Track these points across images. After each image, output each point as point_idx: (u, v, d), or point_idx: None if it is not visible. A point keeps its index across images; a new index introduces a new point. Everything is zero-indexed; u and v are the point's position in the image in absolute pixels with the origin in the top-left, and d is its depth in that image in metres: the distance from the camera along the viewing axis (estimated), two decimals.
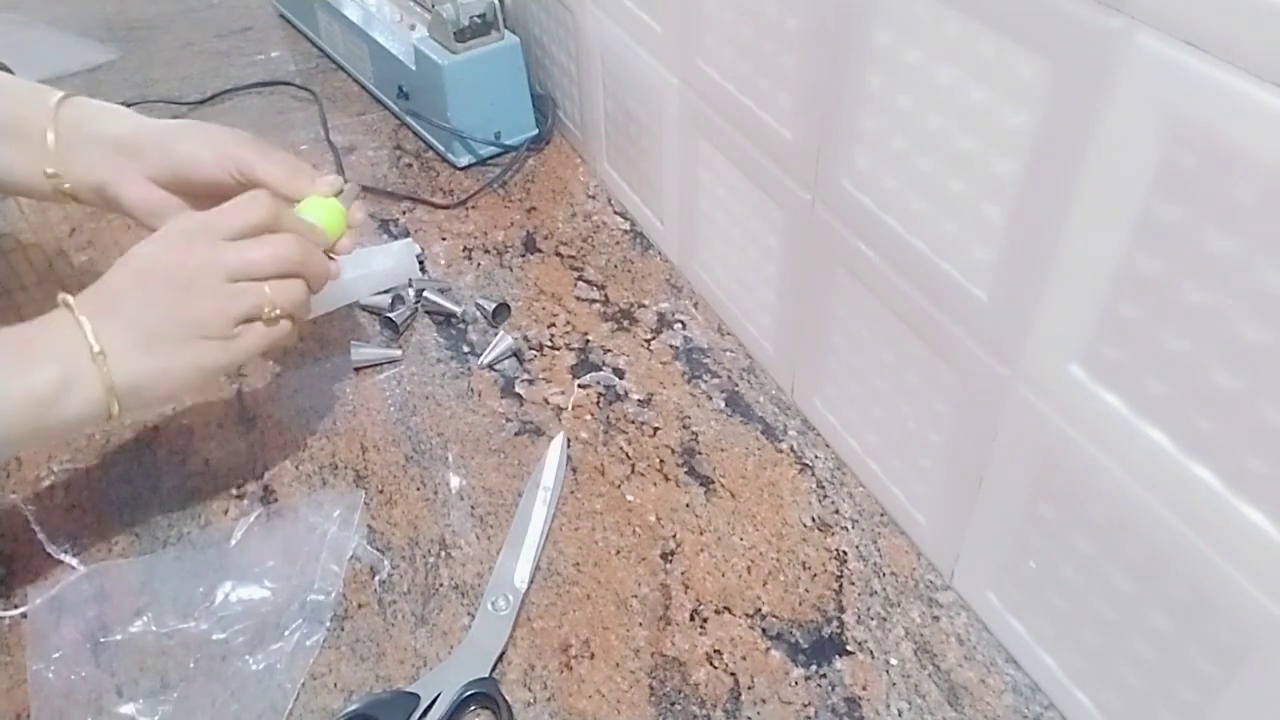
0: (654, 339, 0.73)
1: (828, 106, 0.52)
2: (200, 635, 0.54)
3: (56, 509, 0.61)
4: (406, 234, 0.83)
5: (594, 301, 0.77)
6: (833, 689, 0.52)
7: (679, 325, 0.74)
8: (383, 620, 0.55)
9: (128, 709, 0.51)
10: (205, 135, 0.62)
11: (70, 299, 0.52)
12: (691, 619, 0.55)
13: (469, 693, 0.51)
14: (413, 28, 0.94)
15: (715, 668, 0.53)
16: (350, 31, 1.00)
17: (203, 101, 1.00)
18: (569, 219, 0.85)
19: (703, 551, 0.59)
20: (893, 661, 0.53)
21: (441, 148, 0.93)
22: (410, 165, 0.92)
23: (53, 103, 0.62)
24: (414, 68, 0.90)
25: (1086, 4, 0.35)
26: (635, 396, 0.69)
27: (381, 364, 0.71)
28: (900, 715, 0.51)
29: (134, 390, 0.52)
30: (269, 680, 0.52)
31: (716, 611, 0.56)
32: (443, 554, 0.59)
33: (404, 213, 0.86)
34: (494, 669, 0.53)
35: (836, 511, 0.61)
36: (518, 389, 0.69)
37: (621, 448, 0.65)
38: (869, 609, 0.56)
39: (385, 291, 0.76)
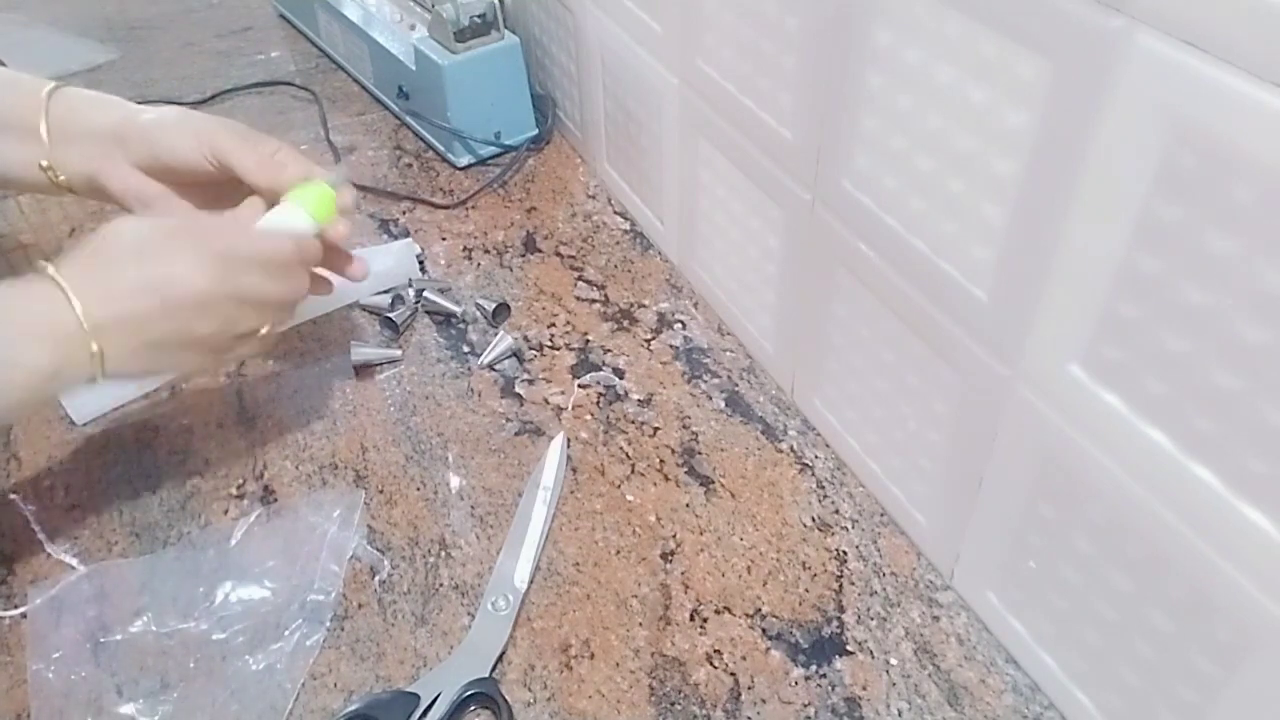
0: (654, 339, 0.73)
1: (828, 106, 0.52)
2: (200, 635, 0.54)
3: (56, 509, 0.61)
4: (406, 234, 0.83)
5: (594, 301, 0.77)
6: (833, 689, 0.52)
7: (679, 325, 0.74)
8: (383, 620, 0.55)
9: (128, 709, 0.51)
10: (188, 124, 0.62)
11: (78, 305, 0.50)
12: (691, 619, 0.55)
13: (469, 693, 0.51)
14: (413, 28, 0.94)
15: (715, 668, 0.53)
16: (350, 31, 1.00)
17: (203, 101, 1.00)
18: (569, 219, 0.85)
19: (703, 551, 0.59)
20: (893, 661, 0.53)
21: (441, 148, 0.93)
22: (410, 165, 0.92)
23: (43, 94, 0.62)
24: (414, 68, 0.90)
25: (1086, 4, 0.35)
26: (635, 396, 0.69)
27: (381, 364, 0.71)
28: (900, 715, 0.51)
29: (116, 377, 0.53)
30: (269, 680, 0.52)
31: (716, 611, 0.56)
32: (443, 554, 0.59)
33: (404, 213, 0.86)
34: (494, 669, 0.53)
35: (836, 511, 0.61)
36: (518, 389, 0.69)
37: (621, 448, 0.65)
38: (869, 609, 0.56)
39: (385, 291, 0.76)
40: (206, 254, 0.54)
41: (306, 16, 1.10)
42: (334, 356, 0.72)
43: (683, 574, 0.58)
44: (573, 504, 0.62)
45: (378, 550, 0.59)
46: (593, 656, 0.54)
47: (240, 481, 0.63)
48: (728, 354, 0.72)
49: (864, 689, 0.52)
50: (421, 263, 0.79)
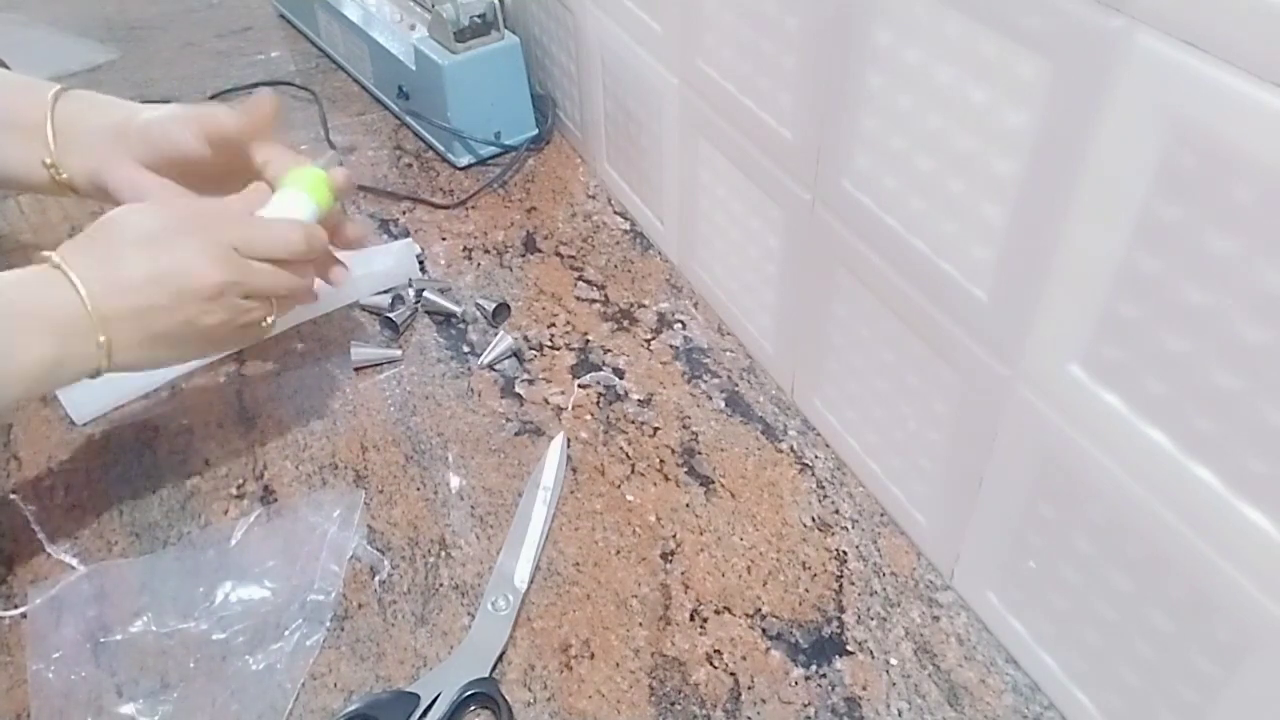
0: (654, 339, 0.73)
1: (828, 106, 0.52)
2: (200, 635, 0.54)
3: (56, 509, 0.61)
4: (406, 234, 0.83)
5: (594, 301, 0.77)
6: (833, 689, 0.52)
7: (679, 325, 0.74)
8: (383, 620, 0.55)
9: (128, 709, 0.51)
10: (184, 112, 0.62)
11: (85, 295, 0.50)
12: (691, 619, 0.55)
13: (469, 693, 0.51)
14: (413, 28, 0.94)
15: (715, 668, 0.53)
16: (350, 31, 1.00)
17: (202, 101, 1.00)
18: (569, 219, 0.85)
19: (703, 551, 0.59)
20: (893, 661, 0.53)
21: (441, 148, 0.93)
22: (410, 165, 0.92)
23: (50, 96, 0.62)
24: (414, 68, 0.90)
25: (1086, 4, 0.35)
26: (635, 396, 0.69)
27: (381, 364, 0.71)
28: (900, 715, 0.51)
29: (121, 369, 0.54)
30: (269, 680, 0.52)
31: (716, 611, 0.56)
32: (443, 554, 0.59)
33: (404, 213, 0.86)
34: (494, 669, 0.53)
35: (836, 511, 0.61)
36: (518, 389, 0.69)
37: (621, 448, 0.65)
38: (869, 609, 0.56)
39: (385, 291, 0.76)
40: (217, 245, 0.54)
41: (306, 16, 1.10)
42: (334, 356, 0.72)
43: (683, 574, 0.58)
44: (573, 504, 0.62)
45: (378, 550, 0.59)
46: (593, 656, 0.54)
47: (240, 481, 0.63)
48: (728, 354, 0.72)
49: (864, 689, 0.52)
50: (421, 263, 0.79)
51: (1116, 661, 0.45)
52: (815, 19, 0.51)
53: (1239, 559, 0.37)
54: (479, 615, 0.55)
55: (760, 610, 0.56)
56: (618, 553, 0.59)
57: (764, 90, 0.58)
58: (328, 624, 0.55)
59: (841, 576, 0.57)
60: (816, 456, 0.64)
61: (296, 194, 0.60)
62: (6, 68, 0.73)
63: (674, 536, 0.60)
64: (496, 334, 0.72)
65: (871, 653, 0.53)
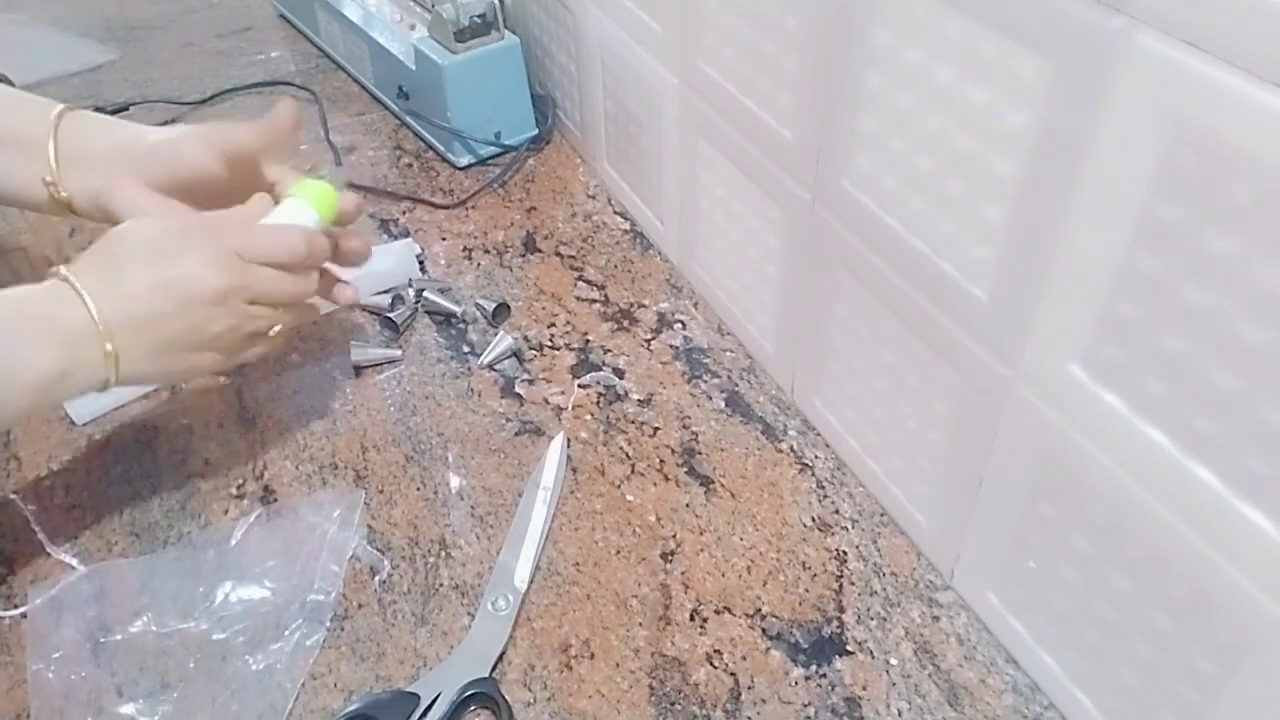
0: (654, 339, 0.73)
1: (828, 106, 0.52)
2: (200, 635, 0.54)
3: (56, 509, 0.61)
4: (406, 234, 0.83)
5: (594, 301, 0.77)
6: (833, 689, 0.52)
7: (679, 325, 0.74)
8: (383, 620, 0.55)
9: (128, 709, 0.51)
10: (193, 131, 0.62)
11: (91, 305, 0.51)
12: (691, 619, 0.55)
13: (469, 693, 0.51)
14: (413, 28, 0.94)
15: (715, 668, 0.53)
16: (350, 31, 1.00)
17: (203, 101, 1.00)
18: (569, 219, 0.85)
19: (703, 551, 0.59)
20: (893, 661, 0.53)
21: (441, 148, 0.93)
22: (410, 165, 0.92)
23: (53, 115, 0.62)
24: (414, 68, 0.90)
25: (1086, 4, 0.35)
26: (635, 396, 0.69)
27: (381, 364, 0.71)
28: (900, 715, 0.51)
29: (129, 381, 0.54)
30: (269, 680, 0.52)
31: (716, 611, 0.56)
32: (443, 554, 0.59)
33: (404, 213, 0.86)
34: (494, 669, 0.53)
35: (836, 511, 0.61)
36: (518, 389, 0.69)
37: (621, 448, 0.65)
38: (869, 609, 0.56)
39: (385, 291, 0.76)
40: (219, 250, 0.54)
41: (306, 16, 1.10)
42: (334, 356, 0.72)
43: (683, 574, 0.58)
44: (573, 504, 0.62)
45: (378, 550, 0.59)
46: (593, 656, 0.54)
47: (240, 481, 0.63)
48: (728, 354, 0.72)
49: (864, 689, 0.52)
50: (421, 263, 0.79)
51: (1116, 661, 0.45)
52: (815, 19, 0.51)
53: (1239, 559, 0.37)
54: (479, 615, 0.55)
55: (760, 610, 0.56)
56: (618, 553, 0.59)
57: (764, 90, 0.58)
58: (328, 624, 0.55)
59: (841, 576, 0.57)
60: (816, 456, 0.64)
61: (299, 204, 0.60)
62: (10, 83, 0.73)
63: (674, 536, 0.60)
64: (496, 334, 0.72)
65: (871, 653, 0.53)
